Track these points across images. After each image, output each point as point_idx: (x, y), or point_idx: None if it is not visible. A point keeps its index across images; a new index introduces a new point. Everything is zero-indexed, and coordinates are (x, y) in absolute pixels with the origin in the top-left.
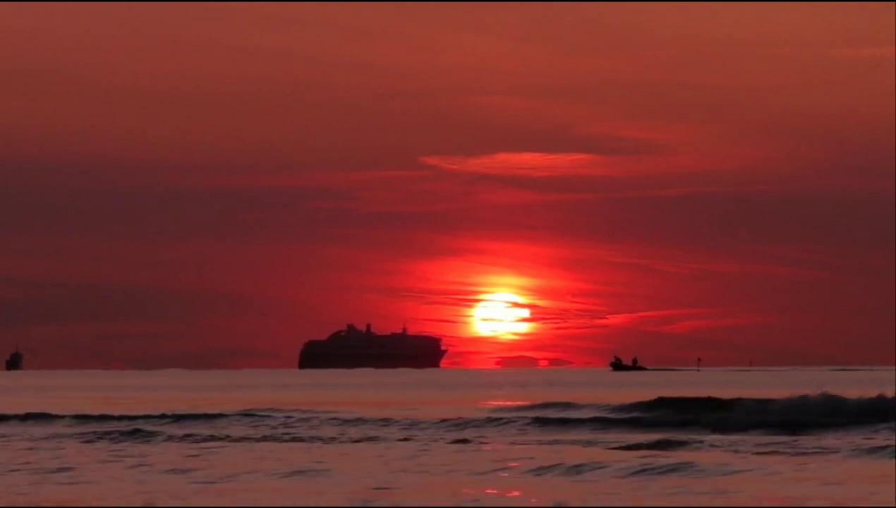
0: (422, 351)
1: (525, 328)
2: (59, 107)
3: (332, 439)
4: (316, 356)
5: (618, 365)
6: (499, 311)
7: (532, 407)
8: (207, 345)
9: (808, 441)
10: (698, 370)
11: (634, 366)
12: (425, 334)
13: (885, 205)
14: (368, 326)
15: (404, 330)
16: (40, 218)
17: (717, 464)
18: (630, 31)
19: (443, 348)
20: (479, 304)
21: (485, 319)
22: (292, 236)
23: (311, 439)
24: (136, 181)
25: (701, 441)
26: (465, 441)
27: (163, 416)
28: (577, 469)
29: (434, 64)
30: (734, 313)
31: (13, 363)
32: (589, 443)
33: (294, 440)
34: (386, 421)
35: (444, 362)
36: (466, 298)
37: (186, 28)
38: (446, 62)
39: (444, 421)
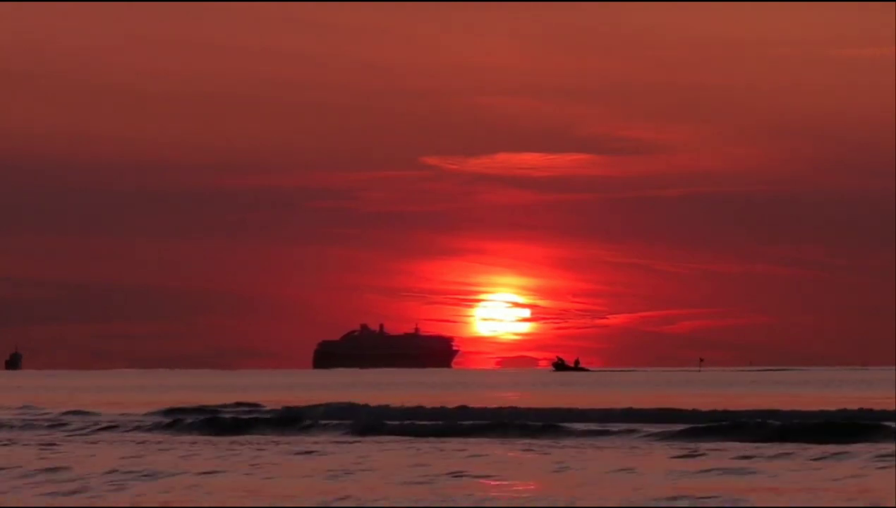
0: (433, 352)
1: (526, 328)
2: (59, 107)
3: None
4: (329, 356)
5: (560, 366)
6: (499, 311)
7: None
8: (208, 345)
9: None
10: (700, 370)
11: (576, 367)
12: (437, 334)
13: (885, 205)
14: (381, 326)
15: (416, 330)
16: (40, 218)
17: None
18: (631, 32)
19: (454, 348)
20: (480, 304)
21: (485, 319)
22: (292, 236)
23: None
24: (137, 181)
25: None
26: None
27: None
28: None
29: (434, 64)
30: (734, 313)
31: (13, 363)
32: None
33: None
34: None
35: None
36: (467, 298)
37: (186, 28)
38: (447, 62)
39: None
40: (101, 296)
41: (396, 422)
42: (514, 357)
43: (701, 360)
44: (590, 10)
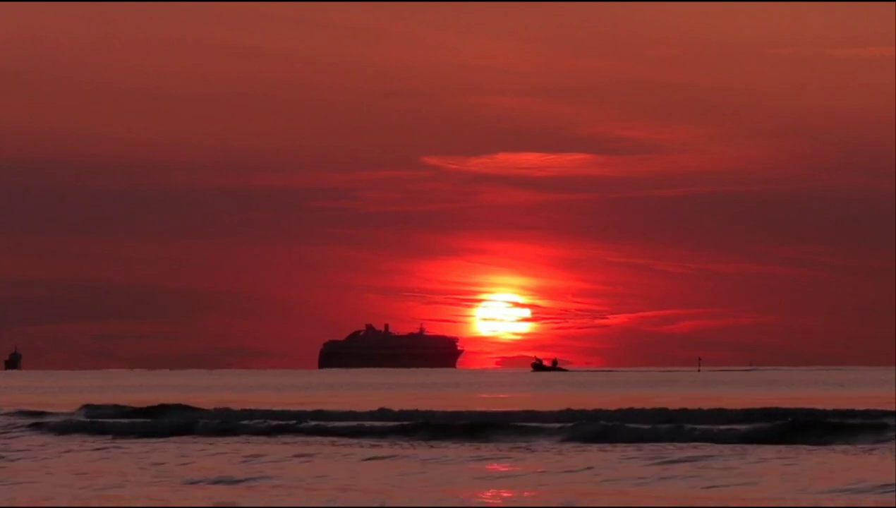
0: (438, 352)
1: (526, 328)
2: (59, 107)
3: None
4: (335, 356)
5: (538, 366)
6: (500, 311)
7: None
8: (208, 346)
9: None
10: (699, 370)
11: (554, 368)
12: (442, 334)
13: (885, 205)
14: (387, 326)
15: (421, 330)
16: (41, 218)
17: None
18: (630, 31)
19: (459, 348)
20: (480, 304)
21: (485, 319)
22: (293, 236)
23: None
24: (137, 181)
25: None
26: None
27: None
28: None
29: (434, 64)
30: (734, 313)
31: (12, 363)
32: None
33: None
34: None
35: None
36: (467, 298)
37: (186, 28)
38: (447, 62)
39: None
40: (101, 296)
41: (217, 422)
42: (514, 357)
43: (700, 360)
44: (590, 10)
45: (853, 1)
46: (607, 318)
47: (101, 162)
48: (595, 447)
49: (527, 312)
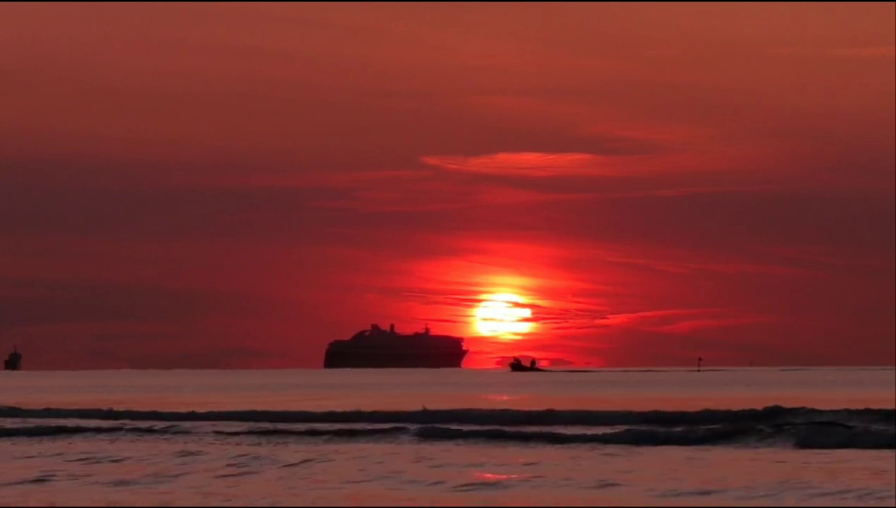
0: (443, 352)
1: (526, 328)
2: (59, 107)
3: None
4: (340, 356)
5: (516, 366)
6: (500, 311)
7: None
8: (209, 346)
9: None
10: (699, 370)
11: (532, 368)
12: (446, 335)
13: (885, 205)
14: (392, 326)
15: (426, 330)
16: (41, 218)
17: None
18: (630, 31)
19: (464, 348)
20: (481, 304)
21: (486, 319)
22: (292, 236)
23: None
24: (136, 181)
25: None
26: None
27: None
28: None
29: (434, 64)
30: (734, 313)
31: (12, 363)
32: None
33: None
34: None
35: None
36: (467, 298)
37: (186, 28)
38: (446, 62)
39: None
40: (101, 296)
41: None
42: (514, 357)
43: (700, 360)
44: (590, 10)
45: (853, 1)
46: (607, 318)
47: (101, 162)
48: (416, 447)
49: (527, 312)
